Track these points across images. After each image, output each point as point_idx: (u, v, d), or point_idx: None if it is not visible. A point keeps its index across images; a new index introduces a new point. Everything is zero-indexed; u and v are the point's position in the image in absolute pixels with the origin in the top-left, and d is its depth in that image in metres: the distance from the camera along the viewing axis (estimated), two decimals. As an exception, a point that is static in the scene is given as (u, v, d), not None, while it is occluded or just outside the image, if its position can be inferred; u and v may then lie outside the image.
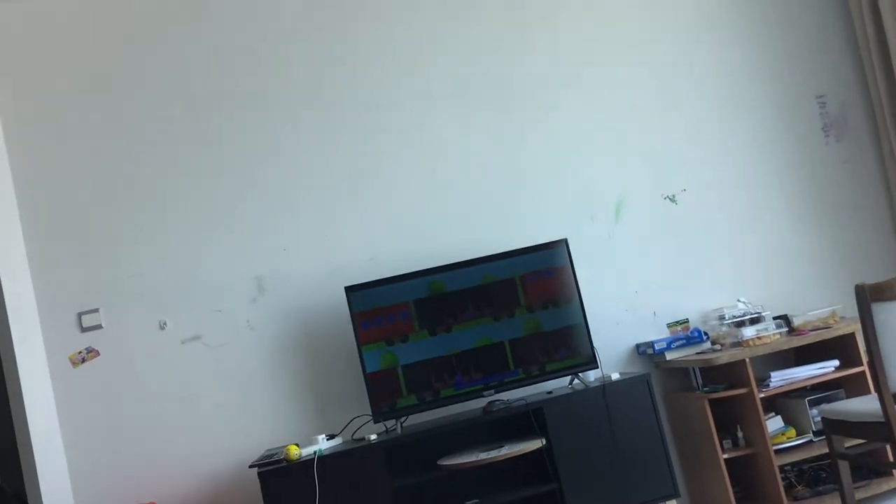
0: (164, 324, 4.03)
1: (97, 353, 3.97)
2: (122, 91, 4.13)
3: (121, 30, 4.16)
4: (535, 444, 3.66)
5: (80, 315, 3.98)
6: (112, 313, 4.00)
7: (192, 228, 4.10)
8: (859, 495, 3.78)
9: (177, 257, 4.07)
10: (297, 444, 3.67)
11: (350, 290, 3.86)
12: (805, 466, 3.96)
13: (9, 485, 4.20)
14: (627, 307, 4.29)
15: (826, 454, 3.71)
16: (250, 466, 3.63)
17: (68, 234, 4.03)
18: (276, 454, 3.66)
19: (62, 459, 3.88)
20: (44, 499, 3.79)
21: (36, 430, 3.83)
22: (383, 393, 3.82)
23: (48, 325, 3.96)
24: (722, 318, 4.10)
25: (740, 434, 3.92)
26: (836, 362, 3.92)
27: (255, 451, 3.97)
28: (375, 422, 3.83)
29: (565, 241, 3.98)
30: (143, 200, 4.08)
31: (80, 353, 3.96)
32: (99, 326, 3.98)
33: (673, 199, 4.39)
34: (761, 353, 3.88)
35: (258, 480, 3.56)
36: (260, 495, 3.58)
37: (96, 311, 3.98)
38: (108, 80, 4.12)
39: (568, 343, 3.92)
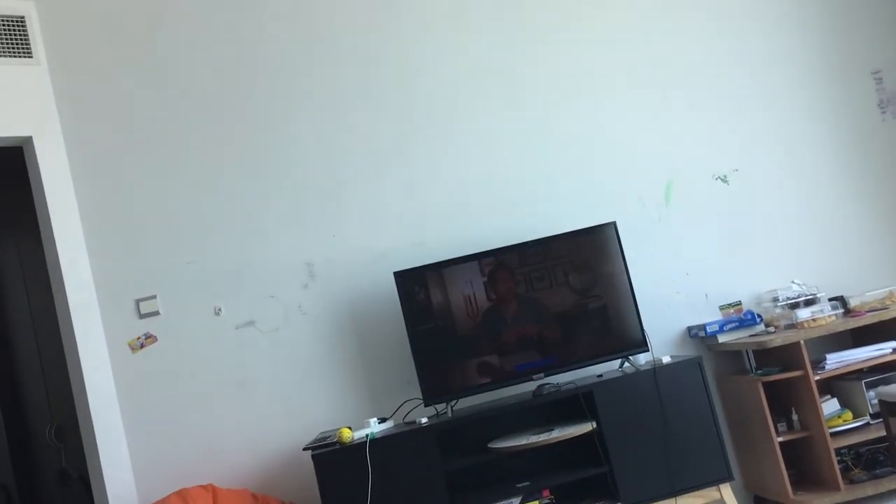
0: (219, 310, 4.11)
1: (155, 339, 4.06)
2: (180, 83, 4.20)
3: (180, 22, 4.23)
4: (586, 427, 3.65)
5: (138, 302, 4.07)
6: (169, 300, 4.09)
7: (244, 216, 4.16)
8: (919, 479, 3.71)
9: (230, 245, 4.14)
10: (350, 427, 3.72)
11: (399, 275, 3.89)
12: (862, 449, 3.91)
13: (72, 467, 4.32)
14: (678, 289, 4.25)
15: (884, 437, 3.65)
16: (304, 449, 3.69)
17: (126, 223, 4.12)
18: (330, 437, 3.72)
19: (123, 442, 3.98)
20: (106, 481, 3.90)
21: (97, 414, 3.94)
22: (433, 376, 3.84)
23: (107, 311, 4.06)
24: (776, 299, 4.04)
25: (795, 417, 3.87)
26: (894, 344, 3.84)
27: (309, 433, 4.03)
28: (426, 405, 3.86)
29: (614, 223, 3.96)
30: (198, 189, 4.16)
31: (139, 338, 4.06)
32: (156, 313, 4.07)
33: (724, 180, 4.33)
34: (816, 335, 3.83)
35: (312, 462, 3.61)
36: (314, 477, 3.64)
37: (154, 297, 4.07)
38: (166, 70, 4.20)
39: (618, 326, 3.90)
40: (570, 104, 4.32)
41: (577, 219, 4.19)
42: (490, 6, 4.34)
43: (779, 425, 3.84)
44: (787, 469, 3.77)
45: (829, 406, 3.86)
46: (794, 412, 3.87)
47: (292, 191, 4.19)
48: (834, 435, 3.75)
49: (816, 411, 3.74)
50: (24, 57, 4.08)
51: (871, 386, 3.83)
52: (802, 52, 4.43)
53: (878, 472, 3.80)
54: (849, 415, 3.86)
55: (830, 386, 4.00)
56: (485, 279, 3.90)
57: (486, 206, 4.23)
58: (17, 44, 4.07)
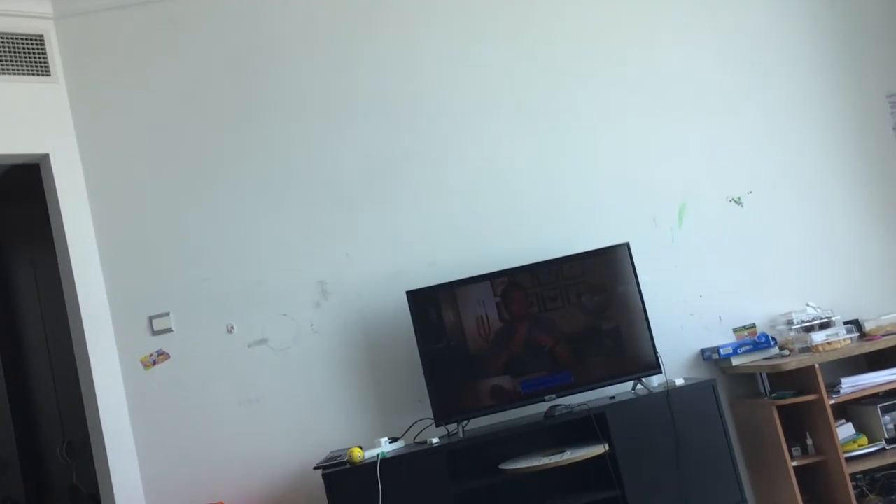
0: (232, 328, 4.11)
1: (167, 356, 4.07)
2: (196, 102, 4.23)
3: (196, 43, 4.26)
4: (598, 449, 3.63)
5: (151, 319, 4.08)
6: (182, 317, 4.09)
7: (257, 235, 4.17)
8: (936, 506, 3.68)
9: (243, 263, 4.15)
10: (361, 447, 3.71)
11: (412, 295, 3.89)
12: (877, 475, 3.86)
13: (83, 485, 4.32)
14: (692, 312, 4.23)
15: (900, 462, 3.62)
16: (315, 468, 3.69)
17: (140, 241, 4.14)
18: (340, 456, 3.71)
19: (133, 460, 3.99)
20: (116, 498, 3.90)
21: (108, 430, 3.95)
22: (445, 396, 3.83)
23: (121, 328, 4.07)
24: (790, 322, 4.02)
25: (810, 441, 3.84)
26: (910, 368, 3.82)
27: (320, 452, 4.02)
28: (437, 425, 3.85)
29: (627, 244, 3.95)
30: (213, 208, 4.17)
31: (151, 355, 4.06)
32: (169, 330, 4.08)
33: (738, 202, 4.32)
34: (831, 359, 3.80)
35: (322, 482, 3.60)
36: (324, 496, 3.63)
37: (167, 314, 4.08)
38: (182, 90, 4.23)
39: (631, 348, 3.88)
40: (583, 125, 4.32)
41: (591, 240, 4.17)
42: (503, 29, 4.36)
43: (793, 449, 3.81)
44: (802, 494, 3.73)
45: (844, 430, 3.83)
46: (808, 436, 3.84)
47: (306, 210, 4.20)
48: (849, 460, 3.72)
49: (831, 436, 3.70)
50: (43, 75, 4.13)
51: (886, 411, 3.80)
52: (817, 75, 4.42)
53: (893, 497, 3.77)
54: (864, 440, 3.83)
55: (845, 410, 3.96)
56: (497, 299, 3.90)
57: (500, 226, 4.23)
58: (35, 62, 4.12)
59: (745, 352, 4.03)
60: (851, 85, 4.43)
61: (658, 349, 3.90)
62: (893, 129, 4.42)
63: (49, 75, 4.14)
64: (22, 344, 4.63)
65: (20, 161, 4.13)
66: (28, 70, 4.09)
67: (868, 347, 3.81)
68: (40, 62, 4.13)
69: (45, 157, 4.08)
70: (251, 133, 4.23)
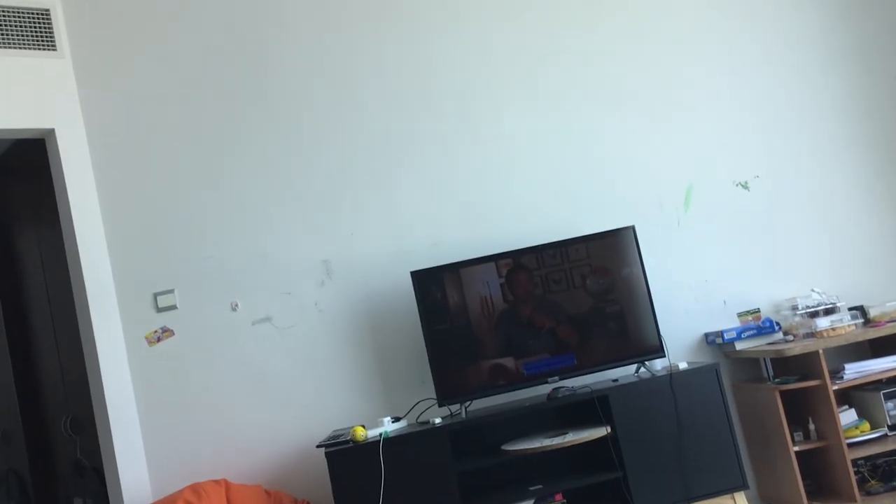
0: (236, 305, 4.12)
1: (172, 333, 4.08)
2: (201, 79, 4.21)
3: (202, 19, 4.24)
4: (600, 431, 3.64)
5: (155, 296, 4.09)
6: (186, 294, 4.10)
7: (262, 213, 4.17)
8: (937, 492, 3.68)
9: (248, 241, 4.15)
10: (364, 426, 3.72)
11: (416, 275, 3.89)
12: (879, 461, 3.86)
13: (87, 459, 4.34)
14: (696, 296, 4.22)
15: (902, 449, 3.63)
16: (318, 446, 3.70)
17: (145, 218, 4.14)
18: (343, 435, 3.72)
19: (137, 435, 4.00)
20: (120, 473, 3.92)
21: (113, 406, 3.96)
22: (448, 377, 3.84)
23: (125, 304, 4.08)
24: (795, 308, 4.01)
25: (812, 427, 3.84)
26: (914, 355, 3.81)
27: (323, 431, 4.03)
28: (440, 405, 3.85)
29: (632, 227, 3.94)
30: (218, 185, 4.17)
31: (156, 332, 4.07)
32: (174, 307, 4.08)
33: (745, 186, 4.30)
34: (835, 345, 3.79)
35: (325, 460, 3.62)
36: (327, 474, 3.65)
37: (171, 291, 4.09)
38: (188, 67, 4.21)
39: (634, 331, 3.88)
40: (590, 107, 4.30)
41: (597, 223, 4.17)
42: (511, 9, 4.33)
43: (795, 435, 3.81)
44: (803, 479, 3.74)
45: (847, 416, 3.83)
46: (811, 422, 3.84)
47: (310, 189, 4.19)
48: (851, 446, 3.72)
49: (834, 421, 3.70)
50: (49, 49, 4.11)
51: (889, 397, 3.80)
52: (825, 57, 4.39)
53: (894, 483, 3.76)
54: (866, 426, 3.83)
55: (848, 396, 3.96)
56: (502, 280, 3.89)
57: (505, 208, 4.22)
58: (41, 36, 4.10)
59: (749, 336, 4.03)
60: (860, 67, 4.40)
61: (662, 333, 3.90)
62: (903, 114, 4.39)
63: (55, 50, 4.12)
64: (27, 319, 4.64)
65: (26, 136, 4.12)
66: (34, 44, 4.08)
67: (872, 334, 3.81)
68: (46, 36, 4.11)
69: (51, 132, 4.07)
70: (258, 111, 4.21)
